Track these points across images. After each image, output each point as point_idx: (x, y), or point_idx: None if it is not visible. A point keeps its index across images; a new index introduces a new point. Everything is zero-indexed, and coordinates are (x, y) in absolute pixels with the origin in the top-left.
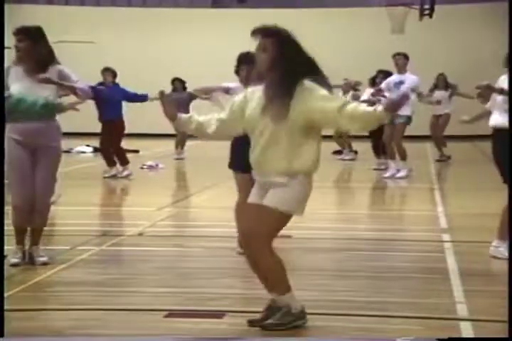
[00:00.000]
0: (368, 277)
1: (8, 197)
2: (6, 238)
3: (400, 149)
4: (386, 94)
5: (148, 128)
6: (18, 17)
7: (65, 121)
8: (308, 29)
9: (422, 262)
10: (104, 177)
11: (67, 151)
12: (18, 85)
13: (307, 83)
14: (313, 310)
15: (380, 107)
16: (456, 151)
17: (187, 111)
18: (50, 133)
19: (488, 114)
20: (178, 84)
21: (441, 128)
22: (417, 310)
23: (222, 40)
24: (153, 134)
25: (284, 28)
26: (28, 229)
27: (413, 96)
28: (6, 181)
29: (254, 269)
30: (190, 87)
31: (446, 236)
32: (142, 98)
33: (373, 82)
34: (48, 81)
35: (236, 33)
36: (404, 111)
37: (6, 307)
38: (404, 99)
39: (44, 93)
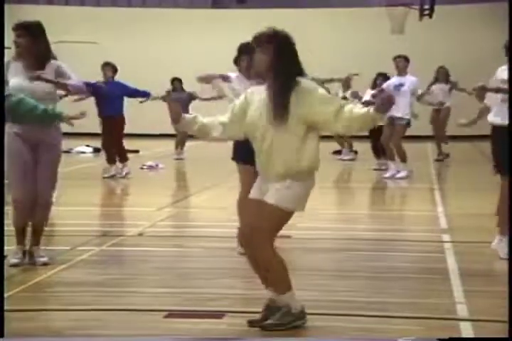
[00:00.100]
0: (368, 277)
1: (8, 197)
2: (6, 238)
3: (400, 151)
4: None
5: (148, 128)
6: (18, 17)
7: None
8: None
9: (422, 262)
10: (104, 178)
11: (67, 151)
12: (17, 80)
13: (304, 81)
14: (313, 310)
15: (371, 109)
16: (456, 151)
17: (186, 111)
18: (51, 129)
19: (487, 110)
20: (178, 84)
21: (442, 122)
22: (417, 311)
23: (222, 41)
24: (153, 134)
25: (282, 30)
26: (29, 229)
27: (413, 99)
28: (6, 181)
29: (255, 267)
30: (190, 87)
31: (446, 237)
32: (143, 94)
33: (374, 83)
34: (40, 78)
35: (236, 33)
36: (405, 114)
37: (6, 307)
38: (389, 98)
39: (42, 88)
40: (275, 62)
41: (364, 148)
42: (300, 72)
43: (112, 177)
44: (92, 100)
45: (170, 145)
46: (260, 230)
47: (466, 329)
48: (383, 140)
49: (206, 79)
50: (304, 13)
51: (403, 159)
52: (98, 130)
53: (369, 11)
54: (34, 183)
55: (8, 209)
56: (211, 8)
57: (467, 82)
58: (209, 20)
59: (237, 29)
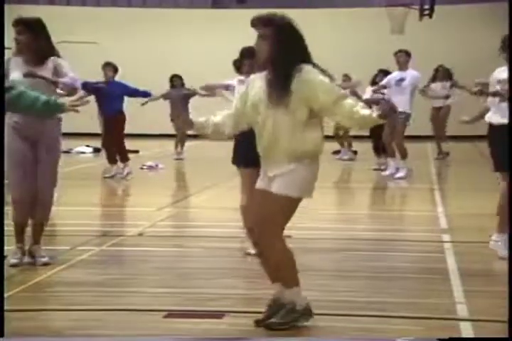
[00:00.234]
0: (368, 277)
1: (8, 198)
2: (6, 238)
3: (401, 148)
4: (385, 91)
5: (148, 128)
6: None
7: (65, 121)
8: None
9: (422, 262)
10: (105, 178)
11: (67, 151)
12: (17, 74)
13: (307, 67)
14: (313, 310)
15: (374, 114)
16: (456, 151)
17: (186, 108)
18: (51, 125)
19: (487, 111)
20: (177, 80)
21: (442, 120)
22: (417, 311)
23: (222, 41)
24: (153, 134)
25: (284, 15)
26: (29, 229)
27: (414, 94)
28: (6, 181)
29: (265, 263)
30: (190, 87)
31: (446, 237)
32: (144, 94)
33: (374, 80)
34: (32, 75)
35: (236, 33)
36: (406, 109)
37: (6, 307)
38: (392, 108)
39: (42, 85)
40: (275, 47)
41: (364, 148)
42: (304, 58)
43: (113, 177)
44: (92, 100)
45: (170, 145)
46: (268, 221)
47: (466, 329)
48: (385, 137)
49: (210, 90)
50: (304, 13)
51: (404, 156)
52: (98, 130)
53: (369, 11)
54: (34, 182)
55: (8, 209)
56: (211, 8)
57: (467, 81)
58: (209, 20)
59: (237, 29)
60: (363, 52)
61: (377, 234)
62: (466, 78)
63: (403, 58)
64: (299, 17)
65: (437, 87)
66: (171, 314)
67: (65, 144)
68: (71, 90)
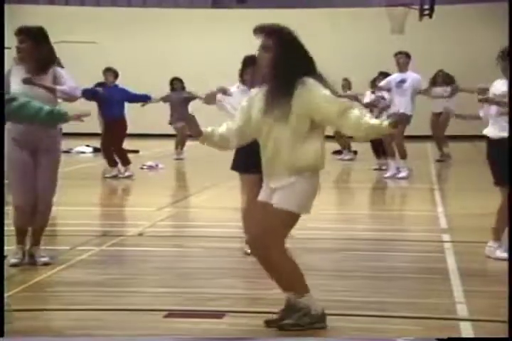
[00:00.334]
0: (368, 277)
1: (8, 197)
2: (6, 238)
3: (401, 148)
4: (385, 94)
5: (148, 128)
6: (18, 17)
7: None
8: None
9: (422, 262)
10: (105, 177)
11: (67, 151)
12: (18, 87)
13: (309, 81)
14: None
15: (385, 122)
16: (456, 151)
17: (186, 111)
18: (51, 134)
19: (478, 119)
20: (177, 83)
21: (442, 126)
22: (417, 310)
23: (223, 41)
24: (153, 134)
25: (286, 26)
26: (29, 229)
27: (414, 96)
28: (6, 181)
29: (269, 271)
30: (191, 87)
31: (446, 237)
32: (143, 98)
33: (373, 83)
34: (31, 82)
35: (236, 33)
36: (407, 111)
37: (6, 307)
38: (407, 118)
39: (42, 93)
40: (277, 59)
41: (364, 148)
42: (307, 70)
43: (113, 177)
44: (93, 102)
45: (170, 145)
46: (272, 236)
47: (466, 329)
48: (385, 138)
49: (211, 99)
50: (304, 13)
51: (403, 156)
52: (98, 130)
53: (369, 11)
54: (34, 188)
55: (8, 210)
56: (211, 8)
57: (467, 81)
58: (209, 20)
59: (237, 29)
60: (363, 52)
61: (377, 234)
62: (466, 78)
63: (403, 60)
64: (299, 17)
65: (436, 91)
66: (171, 314)
67: (65, 144)
68: (69, 98)
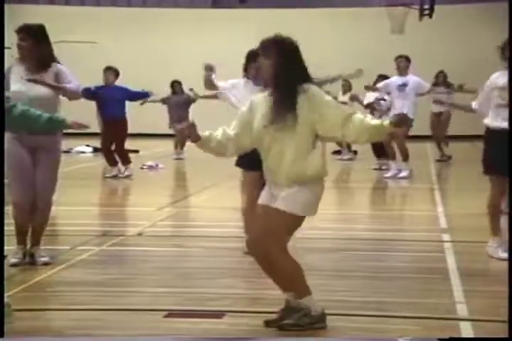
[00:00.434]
0: (368, 277)
1: (8, 197)
2: (6, 238)
3: (403, 149)
4: (385, 96)
5: (149, 128)
6: (18, 17)
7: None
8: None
9: (421, 262)
10: (105, 177)
11: (67, 151)
12: (17, 85)
13: (311, 87)
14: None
15: (386, 121)
16: (456, 151)
17: (187, 113)
18: (49, 134)
19: (472, 111)
20: (178, 86)
21: (443, 127)
22: (417, 310)
23: (222, 41)
24: (153, 134)
25: (286, 36)
26: (30, 229)
27: (416, 99)
28: (5, 181)
29: (268, 272)
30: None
31: (446, 236)
32: (144, 95)
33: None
34: (37, 82)
35: (236, 33)
36: (410, 114)
37: (5, 307)
38: (407, 120)
39: (42, 92)
40: (278, 67)
41: (364, 148)
42: (306, 78)
43: (113, 177)
44: (93, 102)
45: (170, 145)
46: (272, 236)
47: (466, 329)
48: (385, 139)
49: (208, 83)
50: (304, 13)
51: (405, 158)
52: (98, 130)
53: (369, 11)
54: (32, 186)
55: (8, 209)
56: (211, 7)
57: (467, 81)
58: (209, 20)
59: (237, 29)
60: (363, 52)
61: (376, 234)
62: (466, 78)
63: (403, 63)
64: (299, 17)
65: (438, 92)
66: (171, 314)
67: (65, 144)
68: (75, 96)
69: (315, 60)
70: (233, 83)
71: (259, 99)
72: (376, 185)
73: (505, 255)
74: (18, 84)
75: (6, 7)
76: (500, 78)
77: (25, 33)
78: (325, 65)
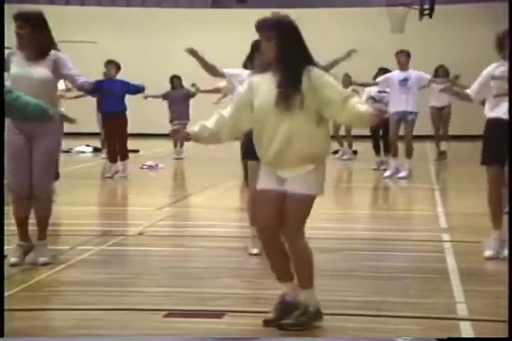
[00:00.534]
0: (368, 277)
1: (8, 198)
2: (6, 238)
3: (410, 146)
4: (387, 89)
5: (149, 128)
6: None
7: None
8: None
9: (421, 262)
10: (106, 177)
11: (67, 151)
12: (16, 69)
13: (315, 69)
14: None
15: (370, 109)
16: (457, 151)
17: (187, 108)
18: (45, 122)
19: (467, 99)
20: (177, 81)
21: (446, 120)
22: (417, 310)
23: (222, 40)
24: (154, 134)
25: (285, 15)
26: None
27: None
28: (5, 181)
29: (278, 262)
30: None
31: (446, 236)
32: (141, 89)
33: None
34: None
35: (236, 33)
36: (415, 108)
37: (6, 306)
38: (383, 111)
39: (39, 76)
40: (283, 48)
41: (364, 147)
42: (310, 60)
43: (113, 175)
44: (92, 100)
45: (170, 145)
46: (297, 221)
47: (466, 329)
48: (392, 136)
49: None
50: (303, 13)
51: (410, 154)
52: (98, 130)
53: (369, 10)
54: (28, 173)
55: (9, 209)
56: (211, 7)
57: (467, 81)
58: (209, 20)
59: (237, 29)
60: (363, 52)
61: (376, 234)
62: (466, 78)
63: (404, 58)
64: (299, 17)
65: (438, 87)
66: (171, 314)
67: (65, 144)
68: (82, 89)
69: (315, 59)
70: (237, 74)
71: (258, 80)
72: (376, 185)
73: (490, 253)
74: (16, 67)
75: (6, 7)
76: (497, 69)
77: (23, 21)
78: (324, 64)
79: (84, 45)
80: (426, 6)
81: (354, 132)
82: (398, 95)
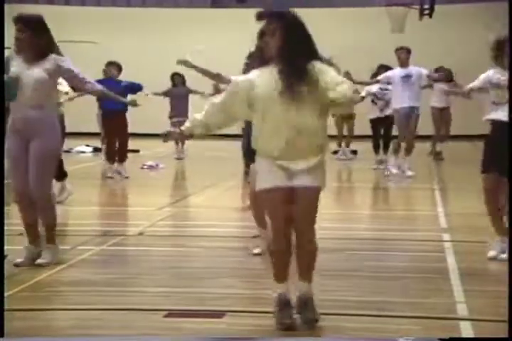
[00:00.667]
0: (368, 277)
1: (8, 197)
2: (6, 238)
3: (412, 143)
4: (389, 87)
5: (149, 128)
6: None
7: (65, 121)
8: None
9: (422, 262)
10: (107, 177)
11: (67, 151)
12: (16, 69)
13: (317, 64)
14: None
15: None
16: (457, 151)
17: (186, 105)
18: (43, 124)
19: (467, 96)
20: (178, 79)
21: (448, 121)
22: (417, 310)
23: (222, 40)
24: (154, 134)
25: (289, 11)
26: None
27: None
28: (5, 181)
29: (312, 258)
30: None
31: (446, 236)
32: (140, 87)
33: (374, 77)
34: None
35: (236, 33)
36: (418, 103)
37: (6, 306)
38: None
39: (36, 77)
40: (287, 42)
41: (364, 147)
42: (315, 54)
43: (114, 175)
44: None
45: (170, 145)
46: (312, 215)
47: (466, 329)
48: (404, 133)
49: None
50: (303, 13)
51: (410, 152)
52: (98, 130)
53: (369, 10)
54: (25, 178)
55: (9, 209)
56: (211, 7)
57: (467, 81)
58: (209, 20)
59: (237, 29)
60: (363, 52)
61: (376, 234)
62: (466, 78)
63: (404, 55)
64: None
65: (437, 88)
66: (171, 314)
67: (65, 144)
68: (91, 92)
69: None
70: None
71: (258, 72)
72: (376, 185)
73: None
74: (15, 68)
75: (6, 7)
76: (494, 76)
77: (23, 25)
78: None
79: (84, 45)
80: (426, 6)
81: (354, 132)
82: (401, 92)
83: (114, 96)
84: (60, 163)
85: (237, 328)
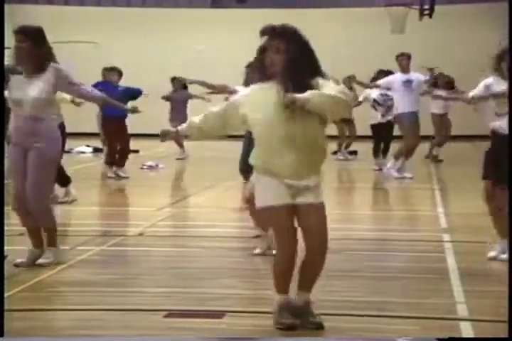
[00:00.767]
0: (368, 277)
1: (8, 198)
2: (6, 238)
3: (410, 149)
4: (389, 93)
5: (149, 128)
6: (18, 17)
7: (65, 121)
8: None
9: (422, 262)
10: (108, 177)
11: (67, 151)
12: (14, 94)
13: (320, 80)
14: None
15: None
16: (457, 151)
17: (185, 109)
18: (40, 133)
19: (467, 101)
20: (178, 83)
21: (448, 127)
22: (417, 310)
23: (222, 40)
24: (154, 134)
25: (291, 26)
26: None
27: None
28: (5, 181)
29: (319, 271)
30: (191, 87)
31: (446, 236)
32: (140, 92)
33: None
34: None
35: (236, 33)
36: (415, 108)
37: (6, 307)
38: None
39: (36, 94)
40: (291, 60)
41: (364, 148)
42: (319, 71)
43: (115, 176)
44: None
45: (170, 145)
46: (325, 231)
47: (466, 329)
48: (415, 138)
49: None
50: (303, 13)
51: (411, 156)
52: (98, 130)
53: (369, 10)
54: (23, 188)
55: (8, 209)
56: (211, 7)
57: (467, 81)
58: (209, 20)
59: (237, 29)
60: (363, 52)
61: (376, 234)
62: (466, 78)
63: (405, 61)
64: (299, 17)
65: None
66: (171, 314)
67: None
68: (91, 100)
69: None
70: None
71: (258, 88)
72: (376, 185)
73: (494, 254)
74: (15, 91)
75: (6, 7)
76: (494, 86)
77: (23, 35)
78: (325, 64)
79: (84, 45)
80: (426, 6)
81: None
82: (402, 97)
83: (116, 103)
84: (61, 169)
85: (237, 328)
